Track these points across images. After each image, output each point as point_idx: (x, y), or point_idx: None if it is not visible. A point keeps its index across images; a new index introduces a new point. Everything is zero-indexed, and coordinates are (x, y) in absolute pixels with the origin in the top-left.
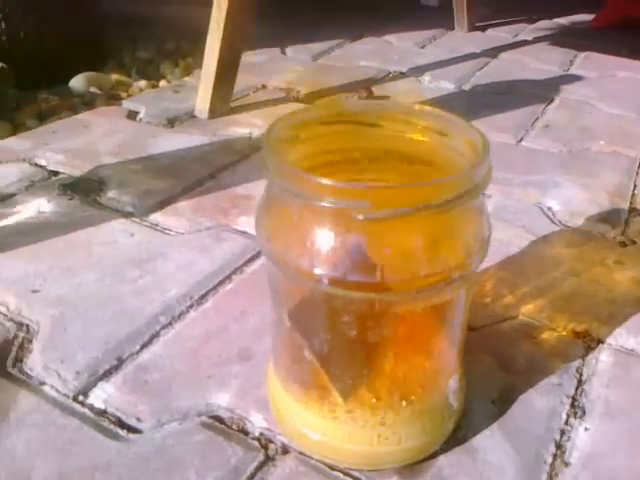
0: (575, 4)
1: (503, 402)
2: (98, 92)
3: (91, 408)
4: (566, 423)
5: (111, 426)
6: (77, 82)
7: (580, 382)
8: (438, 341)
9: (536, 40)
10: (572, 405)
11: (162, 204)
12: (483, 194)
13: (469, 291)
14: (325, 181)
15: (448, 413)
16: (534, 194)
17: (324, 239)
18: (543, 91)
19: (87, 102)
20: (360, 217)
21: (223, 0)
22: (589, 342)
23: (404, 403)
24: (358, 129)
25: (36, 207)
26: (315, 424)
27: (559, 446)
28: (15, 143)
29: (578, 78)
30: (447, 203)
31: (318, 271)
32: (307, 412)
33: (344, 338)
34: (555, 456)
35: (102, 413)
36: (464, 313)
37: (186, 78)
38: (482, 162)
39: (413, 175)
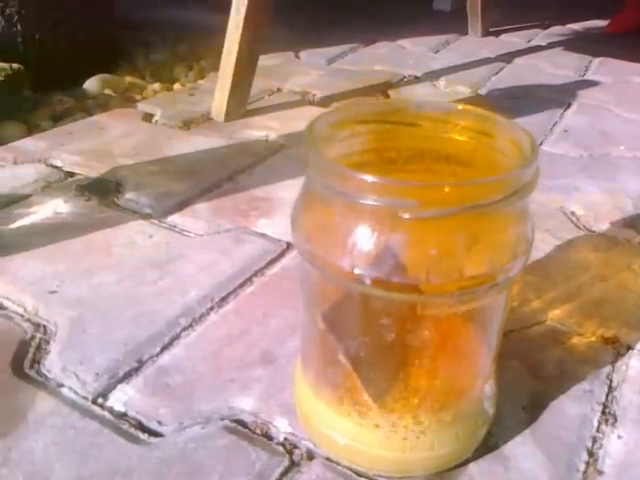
0: (587, 10)
1: (534, 408)
2: (112, 94)
3: (111, 411)
4: (598, 430)
5: (132, 429)
6: (91, 84)
7: (610, 389)
8: (477, 345)
9: (550, 45)
10: (603, 412)
11: (180, 206)
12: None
13: (509, 294)
14: (371, 178)
15: (482, 419)
16: (557, 198)
17: (367, 239)
18: (560, 96)
19: (101, 104)
20: (406, 216)
21: (242, 3)
22: (618, 348)
23: (439, 408)
24: (396, 128)
25: (52, 208)
26: (345, 429)
27: (591, 454)
28: (30, 144)
29: (594, 83)
30: (495, 203)
31: (360, 271)
32: (337, 416)
33: (382, 341)
34: (588, 464)
35: (122, 416)
36: (503, 317)
37: (200, 81)
38: (531, 162)
39: (451, 176)
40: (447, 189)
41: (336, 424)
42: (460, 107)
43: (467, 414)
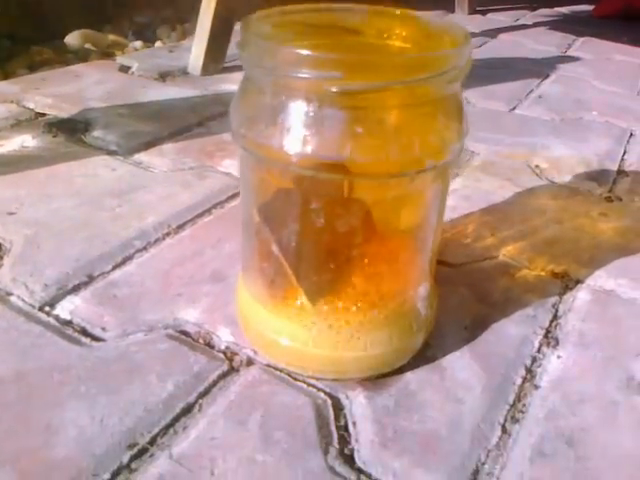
0: None
1: (476, 328)
2: (93, 49)
3: (57, 318)
4: (538, 351)
5: (75, 334)
6: (73, 38)
7: (556, 316)
8: (410, 242)
9: (536, 25)
10: (546, 336)
11: (147, 145)
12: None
13: (445, 190)
14: (299, 51)
15: (417, 324)
16: (523, 153)
17: (295, 116)
18: (539, 68)
19: (81, 58)
20: (333, 89)
21: None
22: (567, 282)
23: (371, 306)
24: (339, 33)
25: (20, 142)
26: (281, 327)
27: (529, 371)
28: (4, 87)
29: (575, 59)
30: (421, 80)
31: (288, 149)
32: (273, 315)
33: (312, 228)
34: (525, 379)
35: (67, 323)
36: (438, 215)
37: (182, 41)
38: (461, 47)
39: None
40: (373, 65)
41: (271, 323)
42: (399, 12)
43: (400, 315)
